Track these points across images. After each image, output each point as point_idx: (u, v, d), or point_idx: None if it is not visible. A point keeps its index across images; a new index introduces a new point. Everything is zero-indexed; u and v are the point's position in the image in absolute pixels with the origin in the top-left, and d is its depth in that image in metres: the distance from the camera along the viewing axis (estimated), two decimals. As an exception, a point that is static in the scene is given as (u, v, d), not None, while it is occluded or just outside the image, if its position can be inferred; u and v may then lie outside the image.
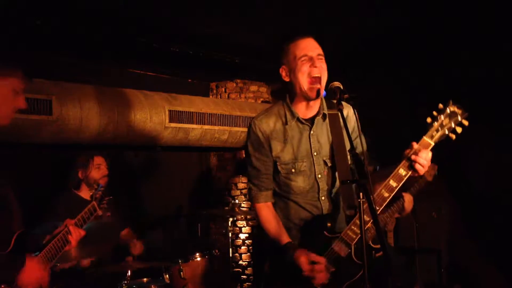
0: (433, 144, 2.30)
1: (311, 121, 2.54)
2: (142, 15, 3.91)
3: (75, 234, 2.60)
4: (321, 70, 2.44)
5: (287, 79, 2.53)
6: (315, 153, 2.53)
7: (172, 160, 5.72)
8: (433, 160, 2.32)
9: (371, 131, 3.83)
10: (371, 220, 2.29)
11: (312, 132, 2.54)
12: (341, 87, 2.30)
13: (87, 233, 2.73)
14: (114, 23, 3.99)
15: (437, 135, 2.29)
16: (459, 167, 4.29)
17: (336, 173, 2.56)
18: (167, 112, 4.85)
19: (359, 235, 2.37)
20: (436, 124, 2.29)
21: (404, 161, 2.32)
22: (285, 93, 2.60)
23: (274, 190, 2.62)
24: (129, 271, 3.62)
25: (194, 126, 5.11)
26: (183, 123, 5.00)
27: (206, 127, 5.20)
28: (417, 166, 2.27)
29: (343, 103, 2.58)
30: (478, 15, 3.91)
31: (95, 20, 3.90)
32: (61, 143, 4.31)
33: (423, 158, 2.27)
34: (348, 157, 2.50)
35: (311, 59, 2.43)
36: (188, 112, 5.05)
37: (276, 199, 2.63)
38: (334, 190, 2.59)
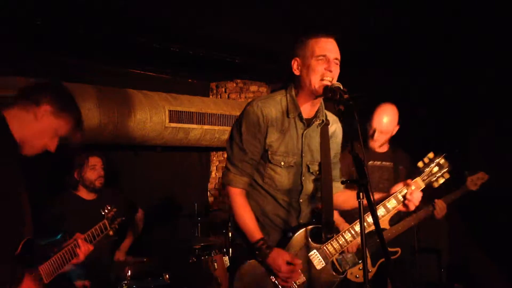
0: (423, 186, 2.56)
1: (308, 122, 2.52)
2: (142, 15, 3.91)
3: (84, 248, 2.53)
4: (334, 76, 2.39)
5: (297, 72, 2.45)
6: (303, 154, 2.51)
7: (172, 160, 5.72)
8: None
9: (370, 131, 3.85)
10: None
11: (305, 133, 2.51)
12: (341, 87, 2.29)
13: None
14: (114, 23, 3.99)
15: (427, 180, 2.58)
16: (459, 167, 4.29)
17: (319, 182, 2.55)
18: (167, 112, 4.85)
19: (336, 254, 2.50)
20: (427, 170, 2.58)
21: (394, 196, 2.51)
22: (288, 85, 2.54)
23: (255, 181, 2.51)
24: (129, 271, 3.62)
25: (194, 126, 5.11)
26: (183, 123, 5.00)
27: (206, 127, 5.20)
28: (410, 205, 2.50)
29: (333, 117, 2.64)
30: (478, 15, 3.91)
31: (95, 20, 3.90)
32: (60, 143, 4.31)
33: (415, 198, 2.50)
34: (332, 171, 2.57)
35: (328, 61, 2.37)
36: (188, 112, 5.05)
37: (254, 191, 2.52)
38: (314, 198, 2.59)
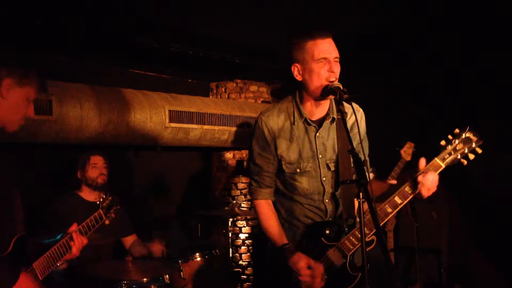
0: (443, 166, 2.33)
1: (319, 123, 2.50)
2: (142, 15, 3.91)
3: (78, 242, 2.50)
4: (337, 75, 2.38)
5: (299, 78, 2.43)
6: (320, 156, 2.50)
7: (172, 160, 5.72)
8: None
9: (370, 131, 3.85)
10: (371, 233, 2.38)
11: (318, 134, 2.49)
12: (341, 87, 2.29)
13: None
14: (114, 23, 3.99)
15: (449, 159, 2.33)
16: (459, 166, 4.29)
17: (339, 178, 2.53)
18: (167, 112, 4.85)
19: (357, 247, 2.41)
20: (449, 147, 2.33)
21: (410, 181, 2.36)
22: (293, 90, 2.53)
23: (279, 189, 2.59)
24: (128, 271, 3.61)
25: (194, 126, 5.11)
26: (183, 123, 5.00)
27: (206, 127, 5.20)
28: (423, 190, 2.31)
29: (356, 106, 2.57)
30: (478, 15, 3.91)
31: (95, 20, 3.90)
32: (61, 143, 4.31)
33: (430, 181, 2.30)
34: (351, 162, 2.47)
35: (329, 62, 2.36)
36: (188, 112, 5.05)
37: (281, 197, 2.60)
38: (337, 194, 2.57)
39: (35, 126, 3.94)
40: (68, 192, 3.99)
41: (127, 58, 4.95)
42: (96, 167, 3.98)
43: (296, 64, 2.42)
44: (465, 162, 2.34)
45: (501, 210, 4.62)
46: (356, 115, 2.34)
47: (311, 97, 2.45)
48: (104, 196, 2.79)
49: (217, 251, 4.15)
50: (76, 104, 4.19)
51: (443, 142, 2.36)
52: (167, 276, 3.74)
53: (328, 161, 2.52)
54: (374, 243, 3.44)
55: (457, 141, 2.33)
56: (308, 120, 2.48)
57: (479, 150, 2.33)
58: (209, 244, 4.31)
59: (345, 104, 2.48)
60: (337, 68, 2.39)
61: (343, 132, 2.40)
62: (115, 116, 4.45)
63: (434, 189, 2.32)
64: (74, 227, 2.55)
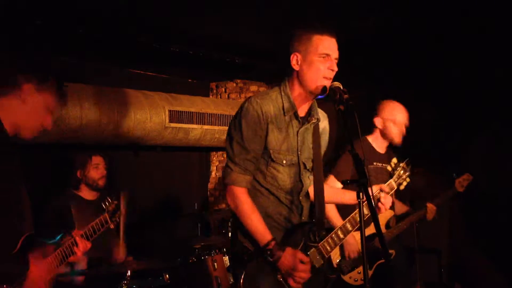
0: (396, 187, 2.71)
1: (303, 120, 2.51)
2: (142, 15, 3.91)
3: (82, 245, 2.49)
4: (333, 75, 2.40)
5: (296, 67, 2.42)
6: (299, 152, 2.51)
7: (172, 160, 5.72)
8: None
9: (370, 131, 3.85)
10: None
11: (300, 130, 2.51)
12: (341, 87, 2.29)
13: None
14: (114, 23, 3.99)
15: (397, 182, 2.74)
16: (460, 167, 4.29)
17: (311, 177, 2.58)
18: (167, 112, 4.85)
19: (333, 249, 2.50)
20: (396, 173, 2.75)
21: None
22: (282, 81, 2.50)
23: (257, 181, 2.47)
24: (129, 271, 3.61)
25: (194, 126, 5.11)
26: (183, 123, 5.00)
27: (206, 127, 5.20)
28: (382, 208, 2.59)
29: (322, 114, 2.64)
30: (478, 15, 3.91)
31: (95, 20, 3.90)
32: (61, 143, 4.31)
33: (387, 203, 2.59)
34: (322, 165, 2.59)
35: (330, 60, 2.38)
36: (188, 112, 5.05)
37: (256, 191, 2.47)
38: (309, 193, 2.60)
39: (35, 126, 3.94)
40: (67, 191, 3.98)
41: (127, 58, 4.95)
42: (98, 168, 3.97)
43: (297, 53, 2.42)
44: (401, 188, 2.78)
45: (501, 210, 4.62)
46: (324, 122, 2.54)
47: (302, 90, 2.45)
48: (110, 200, 2.76)
49: (217, 251, 4.15)
50: (76, 104, 4.20)
51: (389, 168, 2.77)
52: (167, 276, 3.74)
53: (304, 160, 2.53)
54: (393, 255, 3.64)
55: (399, 169, 2.76)
56: (296, 114, 2.48)
57: (408, 180, 2.79)
58: (209, 244, 4.30)
59: (318, 109, 2.60)
60: (335, 68, 2.40)
61: (317, 136, 2.55)
62: (115, 116, 4.45)
63: (388, 208, 2.63)
64: (78, 231, 2.55)
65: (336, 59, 2.41)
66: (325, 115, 2.67)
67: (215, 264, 4.01)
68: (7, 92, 2.26)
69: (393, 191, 2.69)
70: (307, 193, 2.60)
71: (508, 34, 4.10)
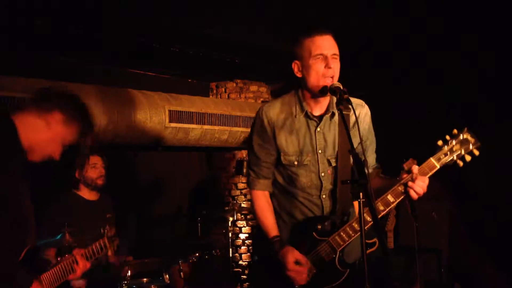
0: (438, 167, 2.31)
1: (320, 118, 2.51)
2: (142, 15, 3.91)
3: (82, 264, 2.54)
4: (335, 71, 2.38)
5: (299, 75, 2.47)
6: (319, 151, 2.50)
7: (172, 160, 5.72)
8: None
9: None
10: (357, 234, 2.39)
11: (318, 129, 2.49)
12: (341, 87, 2.29)
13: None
14: (114, 23, 3.99)
15: (444, 159, 2.30)
16: (460, 167, 4.30)
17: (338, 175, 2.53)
18: (167, 112, 4.85)
19: (347, 242, 2.42)
20: (446, 148, 2.30)
21: (400, 185, 2.35)
22: (296, 87, 2.54)
23: (278, 182, 2.59)
24: (129, 271, 3.62)
25: (194, 126, 5.11)
26: (183, 123, 5.00)
27: (206, 127, 5.20)
28: (412, 193, 2.32)
29: (358, 101, 2.58)
30: (478, 15, 3.91)
31: (95, 20, 3.90)
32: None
33: (420, 187, 2.30)
34: (351, 158, 2.46)
35: (325, 58, 2.37)
36: (188, 112, 5.05)
37: (278, 191, 2.60)
38: (337, 190, 2.55)
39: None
40: (66, 191, 3.98)
41: (127, 58, 4.95)
42: (96, 167, 3.96)
43: (296, 61, 2.46)
44: (461, 163, 2.31)
45: (501, 210, 4.62)
46: (355, 113, 2.27)
47: (310, 93, 2.47)
48: (108, 227, 2.82)
49: (217, 251, 4.16)
50: (76, 104, 4.19)
51: (440, 142, 2.33)
52: (167, 276, 3.74)
53: (329, 157, 2.52)
54: (377, 245, 3.44)
55: (454, 142, 2.30)
56: (309, 114, 2.49)
57: (477, 152, 2.30)
58: (209, 244, 4.31)
59: (353, 98, 2.50)
60: (335, 65, 2.39)
61: (344, 129, 2.36)
62: (115, 116, 4.45)
63: (423, 192, 2.32)
64: (78, 251, 2.60)
65: (334, 54, 2.40)
66: (359, 103, 2.59)
67: (215, 264, 4.02)
68: (38, 111, 2.21)
69: (433, 172, 2.30)
70: (332, 191, 2.55)
71: (508, 34, 4.10)
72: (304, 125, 2.50)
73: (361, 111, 2.59)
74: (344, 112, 2.36)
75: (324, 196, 2.53)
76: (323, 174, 2.52)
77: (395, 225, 4.77)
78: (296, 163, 2.49)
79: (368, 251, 2.50)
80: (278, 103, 2.54)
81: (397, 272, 4.66)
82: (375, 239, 3.31)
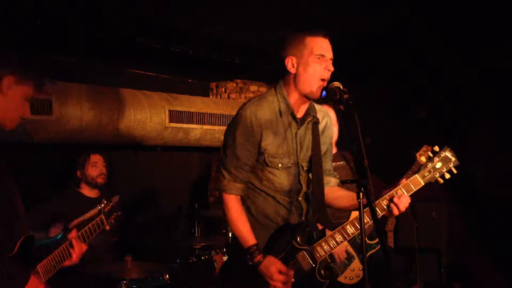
0: (423, 184, 2.36)
1: (301, 120, 2.50)
2: (142, 15, 3.91)
3: (77, 248, 2.43)
4: (329, 75, 2.39)
5: (293, 71, 2.42)
6: (298, 154, 2.50)
7: (172, 160, 5.72)
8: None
9: (370, 131, 3.85)
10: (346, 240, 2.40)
11: (298, 131, 2.49)
12: (341, 87, 2.29)
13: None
14: (113, 23, 3.99)
15: (428, 177, 2.36)
16: (459, 167, 4.30)
17: (311, 177, 2.54)
18: (167, 112, 4.85)
19: (326, 255, 2.41)
20: (430, 165, 2.36)
21: (385, 198, 2.35)
22: (277, 84, 2.50)
23: (253, 184, 2.50)
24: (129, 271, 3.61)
25: (194, 126, 5.11)
26: (183, 123, 5.00)
27: (206, 127, 5.21)
28: (394, 209, 2.32)
29: (322, 110, 2.61)
30: (478, 15, 3.91)
31: (94, 20, 3.90)
32: (61, 143, 4.31)
33: (403, 204, 2.32)
34: (323, 164, 2.54)
35: (326, 60, 2.38)
36: (188, 112, 5.06)
37: (253, 194, 2.50)
38: (310, 193, 2.56)
39: (35, 126, 3.94)
40: (68, 189, 4.04)
41: (127, 58, 4.95)
42: (96, 166, 4.05)
43: (291, 57, 2.42)
44: (441, 181, 2.37)
45: (500, 210, 4.63)
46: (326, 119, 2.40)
47: (300, 92, 2.44)
48: (105, 202, 2.74)
49: (217, 251, 4.15)
50: (76, 104, 4.20)
51: (423, 159, 2.39)
52: (167, 276, 3.74)
53: (302, 161, 2.52)
54: (379, 246, 3.42)
55: (436, 159, 2.35)
56: (294, 115, 2.47)
57: (455, 171, 2.37)
58: (209, 244, 4.30)
59: (316, 106, 2.56)
60: (332, 68, 2.40)
61: (316, 135, 2.49)
62: (115, 116, 4.45)
63: (403, 210, 2.34)
64: (73, 233, 2.51)
65: (331, 59, 2.42)
66: (325, 111, 2.64)
67: (215, 264, 4.02)
68: None
69: (417, 189, 2.35)
70: (308, 194, 2.56)
71: (508, 33, 4.10)
72: (288, 127, 2.47)
73: (327, 119, 2.63)
74: (309, 120, 2.49)
75: (300, 198, 2.53)
76: (301, 177, 2.51)
77: (395, 225, 4.77)
78: (280, 165, 2.46)
79: (368, 254, 2.51)
80: (264, 102, 2.46)
81: (397, 272, 4.66)
82: (376, 239, 3.32)
